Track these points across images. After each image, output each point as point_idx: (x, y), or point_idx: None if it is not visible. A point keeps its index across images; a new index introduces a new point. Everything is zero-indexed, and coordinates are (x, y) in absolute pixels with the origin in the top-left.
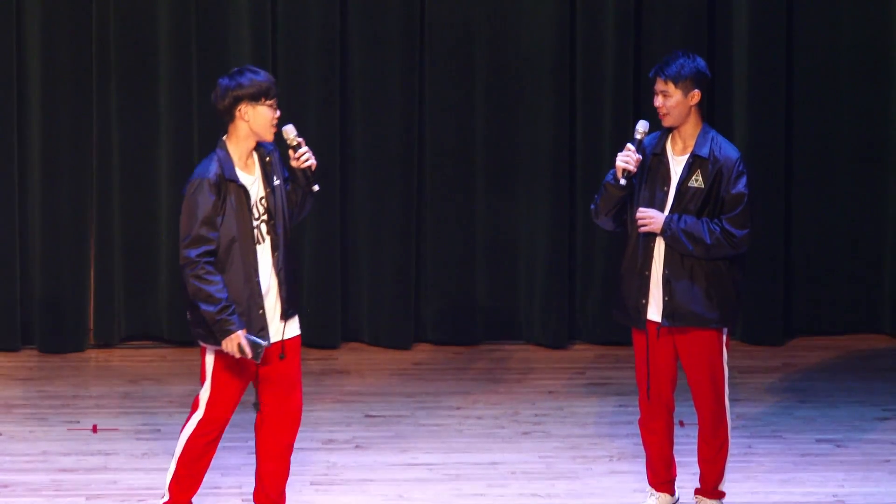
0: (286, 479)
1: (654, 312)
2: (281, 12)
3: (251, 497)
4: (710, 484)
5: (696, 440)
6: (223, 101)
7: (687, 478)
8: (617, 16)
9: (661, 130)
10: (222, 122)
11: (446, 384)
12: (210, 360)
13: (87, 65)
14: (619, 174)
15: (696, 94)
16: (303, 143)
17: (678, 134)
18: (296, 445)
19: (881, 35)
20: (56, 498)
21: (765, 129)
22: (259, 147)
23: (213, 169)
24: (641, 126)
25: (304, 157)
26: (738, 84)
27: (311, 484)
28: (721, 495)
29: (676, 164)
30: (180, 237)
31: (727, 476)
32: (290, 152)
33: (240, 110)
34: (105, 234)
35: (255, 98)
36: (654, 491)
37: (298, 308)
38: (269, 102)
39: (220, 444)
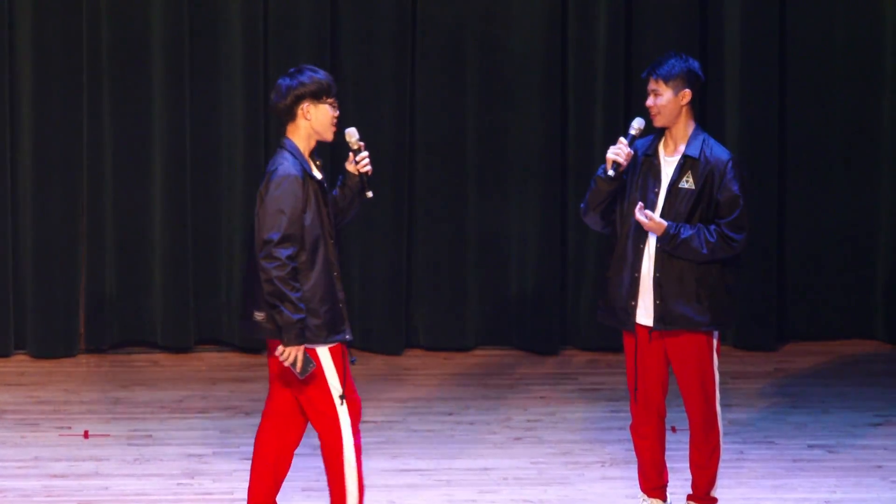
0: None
1: (644, 315)
2: (272, 12)
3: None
4: (702, 490)
5: (687, 446)
6: (284, 100)
7: (679, 483)
8: (608, 16)
9: (654, 133)
10: (281, 122)
11: (438, 390)
12: (326, 356)
13: (79, 66)
14: (609, 166)
15: (686, 94)
16: (363, 147)
17: (670, 135)
18: None
19: (873, 35)
20: (47, 503)
21: (757, 132)
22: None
23: (296, 165)
24: (637, 123)
25: (365, 162)
26: (729, 86)
27: (303, 490)
28: (713, 501)
29: (667, 165)
30: (264, 233)
31: (719, 482)
32: (350, 155)
33: (302, 109)
34: (97, 238)
35: (316, 96)
36: (645, 497)
37: None
38: (329, 100)
39: (212, 451)
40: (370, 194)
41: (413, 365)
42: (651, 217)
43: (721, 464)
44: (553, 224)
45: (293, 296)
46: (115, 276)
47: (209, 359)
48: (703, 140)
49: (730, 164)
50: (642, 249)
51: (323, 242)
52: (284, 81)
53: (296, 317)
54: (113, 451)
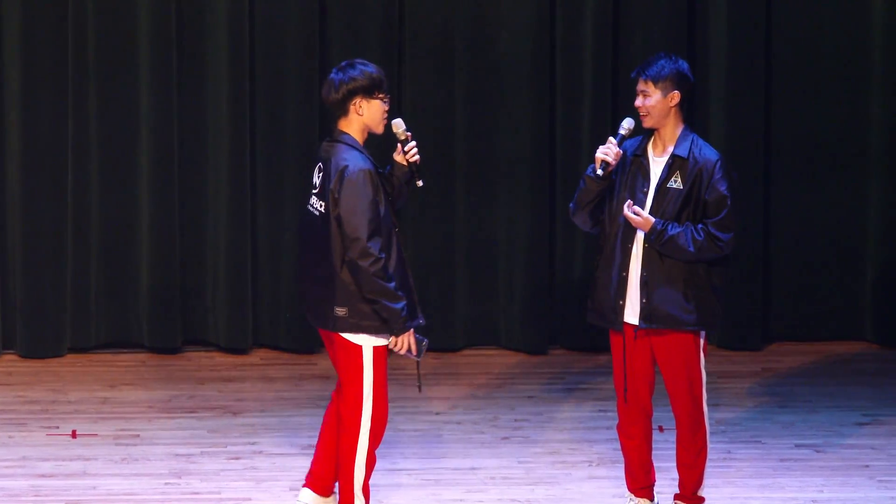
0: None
1: (631, 314)
2: (259, 12)
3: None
4: (690, 489)
5: (675, 445)
6: (336, 95)
7: (666, 483)
8: (595, 17)
9: (643, 134)
10: (332, 116)
11: (426, 389)
12: (369, 354)
13: (65, 67)
14: (598, 165)
15: (675, 95)
16: (410, 137)
17: (659, 136)
18: (275, 450)
19: (861, 35)
20: (35, 503)
21: (743, 133)
22: None
23: (363, 158)
24: (627, 123)
25: (413, 152)
26: (715, 86)
27: (290, 489)
28: (700, 500)
29: (656, 165)
30: (352, 232)
31: (706, 481)
32: (399, 146)
33: (354, 104)
34: (84, 238)
35: (369, 91)
36: (633, 496)
37: None
38: (381, 95)
39: (199, 450)
40: (420, 183)
41: (401, 364)
42: (639, 212)
43: (708, 463)
44: (541, 224)
45: (391, 286)
46: (102, 277)
47: (196, 359)
48: (692, 140)
49: (718, 165)
50: (630, 249)
51: (394, 232)
52: (336, 76)
53: (398, 305)
54: (101, 450)
